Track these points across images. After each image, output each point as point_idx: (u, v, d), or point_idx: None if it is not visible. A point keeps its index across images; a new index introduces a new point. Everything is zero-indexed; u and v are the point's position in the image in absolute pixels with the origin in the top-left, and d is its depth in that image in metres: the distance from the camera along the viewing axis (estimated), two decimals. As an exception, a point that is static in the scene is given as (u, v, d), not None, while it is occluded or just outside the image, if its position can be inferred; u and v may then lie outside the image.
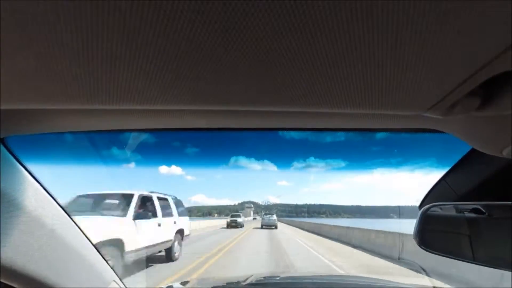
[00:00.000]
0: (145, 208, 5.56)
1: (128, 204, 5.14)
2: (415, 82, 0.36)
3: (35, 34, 0.27)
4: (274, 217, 25.48)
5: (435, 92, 0.38)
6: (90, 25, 0.26)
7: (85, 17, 0.25)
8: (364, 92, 0.38)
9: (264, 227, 23.14)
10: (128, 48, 0.30)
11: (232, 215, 26.81)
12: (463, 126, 0.52)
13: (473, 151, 0.64)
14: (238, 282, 1.38)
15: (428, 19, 0.26)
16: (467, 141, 0.57)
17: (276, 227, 22.77)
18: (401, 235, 7.67)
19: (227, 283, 1.44)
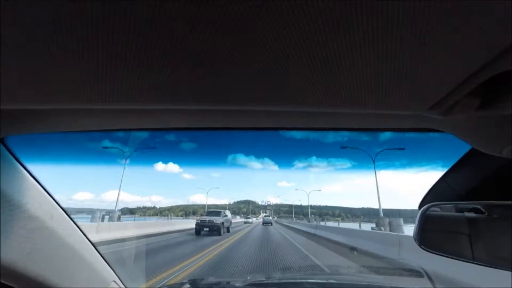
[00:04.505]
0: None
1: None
2: (415, 82, 0.36)
3: (35, 34, 0.27)
4: (270, 218, 43.50)
5: (435, 92, 0.38)
6: (90, 25, 0.26)
7: (85, 17, 0.25)
8: (364, 92, 0.38)
9: (264, 224, 37.22)
10: (129, 48, 0.30)
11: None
12: (463, 126, 0.52)
13: (473, 151, 0.64)
14: (236, 282, 1.38)
15: (428, 19, 0.26)
16: (467, 141, 0.57)
17: (272, 224, 37.64)
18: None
19: (226, 283, 1.45)
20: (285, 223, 40.28)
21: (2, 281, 0.54)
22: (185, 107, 0.45)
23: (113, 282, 0.87)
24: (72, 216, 0.72)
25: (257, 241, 12.77)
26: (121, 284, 0.92)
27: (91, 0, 0.24)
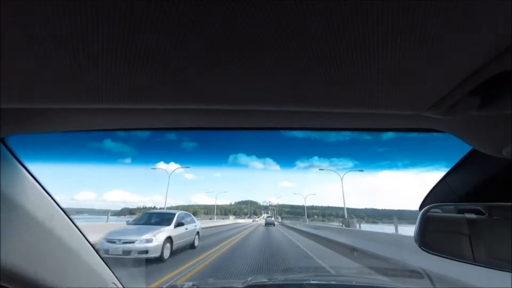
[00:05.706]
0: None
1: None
2: (415, 82, 0.36)
3: (35, 34, 0.28)
4: (272, 218, 45.85)
5: (435, 92, 0.38)
6: (91, 25, 0.26)
7: (85, 17, 0.26)
8: (364, 92, 0.38)
9: (266, 224, 37.58)
10: (129, 48, 0.30)
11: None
12: (463, 126, 0.52)
13: (473, 151, 0.64)
14: (236, 283, 1.38)
15: (427, 19, 0.26)
16: (467, 141, 0.57)
17: (274, 225, 37.73)
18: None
19: (226, 285, 1.44)
20: (300, 228, 23.01)
21: (1, 283, 0.54)
22: (186, 107, 0.45)
23: (112, 284, 0.87)
24: (71, 216, 0.72)
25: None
26: (120, 285, 0.92)
27: (91, 0, 0.24)
